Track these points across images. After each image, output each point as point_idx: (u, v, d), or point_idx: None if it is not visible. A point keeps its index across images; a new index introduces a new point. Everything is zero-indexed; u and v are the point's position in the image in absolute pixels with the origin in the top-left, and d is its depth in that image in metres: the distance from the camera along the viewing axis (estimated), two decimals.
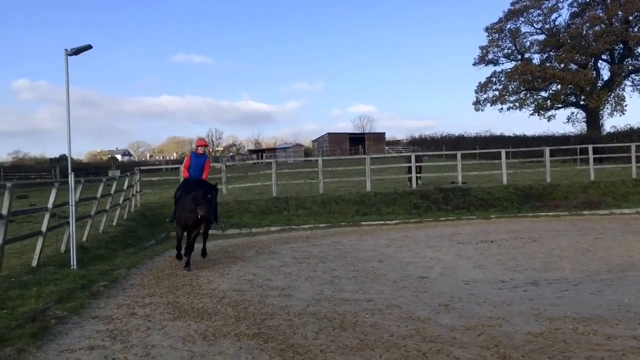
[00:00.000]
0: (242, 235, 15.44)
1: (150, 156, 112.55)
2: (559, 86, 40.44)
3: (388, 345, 5.14)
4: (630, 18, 39.28)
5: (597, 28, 39.38)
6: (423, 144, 60.61)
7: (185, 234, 9.59)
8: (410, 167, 21.42)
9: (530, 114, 42.92)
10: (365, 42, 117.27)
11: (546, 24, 42.43)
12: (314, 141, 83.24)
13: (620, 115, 43.51)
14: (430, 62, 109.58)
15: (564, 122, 45.80)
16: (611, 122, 70.05)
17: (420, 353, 4.91)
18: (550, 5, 41.78)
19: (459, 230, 14.54)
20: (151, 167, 41.85)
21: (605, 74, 41.59)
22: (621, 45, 39.53)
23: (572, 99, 41.89)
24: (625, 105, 40.96)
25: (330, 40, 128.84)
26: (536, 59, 43.93)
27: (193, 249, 9.44)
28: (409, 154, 25.58)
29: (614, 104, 41.01)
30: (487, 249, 11.53)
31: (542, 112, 42.44)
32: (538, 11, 42.22)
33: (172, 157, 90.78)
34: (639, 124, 36.60)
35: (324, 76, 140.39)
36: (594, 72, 41.15)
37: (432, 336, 5.43)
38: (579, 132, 41.62)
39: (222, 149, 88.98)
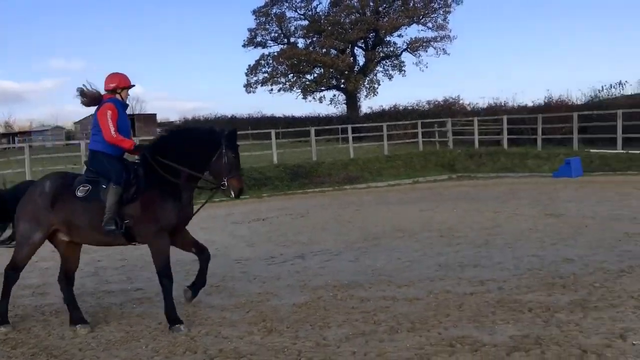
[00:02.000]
0: None
1: None
2: (322, 70, 43.33)
3: (155, 334, 4.97)
4: (380, 9, 43.60)
5: (352, 17, 42.93)
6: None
7: None
8: None
9: (298, 96, 45.35)
10: (129, 18, 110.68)
11: (309, 10, 44.86)
12: (76, 123, 76.45)
13: (373, 97, 48.20)
14: (203, 42, 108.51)
15: (328, 103, 49.60)
16: (367, 104, 77.53)
17: (188, 338, 4.83)
18: None
19: (232, 210, 14.72)
20: None
21: (361, 59, 45.61)
22: (373, 33, 43.68)
23: (334, 82, 45.17)
24: (378, 89, 45.70)
25: (87, 14, 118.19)
26: (301, 43, 46.27)
27: None
28: None
29: (369, 88, 45.41)
30: (259, 227, 11.87)
31: (309, 94, 45.11)
32: None
33: None
34: (390, 105, 40.85)
35: (82, 53, 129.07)
36: (352, 57, 44.83)
37: (202, 319, 5.40)
38: (341, 113, 45.12)
39: None
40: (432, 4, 42.13)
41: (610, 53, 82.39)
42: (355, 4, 42.77)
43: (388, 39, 44.32)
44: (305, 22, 45.07)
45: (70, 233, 5.41)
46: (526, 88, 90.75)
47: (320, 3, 44.94)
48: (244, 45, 46.61)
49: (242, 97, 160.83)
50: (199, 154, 5.36)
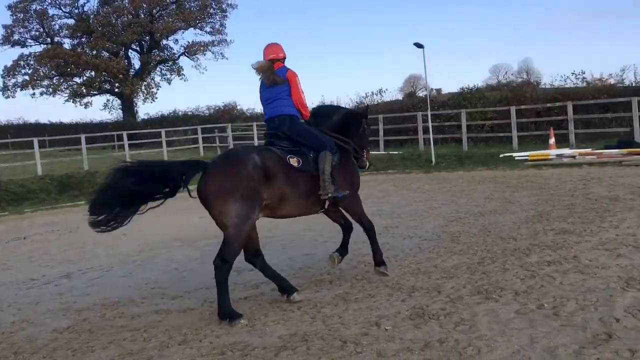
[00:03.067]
0: None
1: None
2: (93, 73, 40.55)
3: None
4: (154, 12, 42.32)
5: (124, 18, 41.00)
6: None
7: None
8: None
9: (66, 100, 41.80)
10: None
11: (75, 8, 41.70)
12: None
13: (152, 102, 46.49)
14: None
15: (101, 109, 46.42)
16: (145, 109, 74.52)
17: None
18: None
19: None
20: None
21: (137, 63, 43.77)
22: (149, 36, 42.21)
23: (107, 86, 42.63)
24: (156, 94, 44.26)
25: None
26: (68, 43, 42.79)
27: None
28: None
29: (146, 92, 43.77)
30: (19, 247, 10.62)
31: (78, 99, 41.85)
32: None
33: None
34: (169, 111, 39.89)
35: None
36: (126, 60, 42.78)
37: None
38: (116, 119, 42.78)
39: None
40: (208, 9, 42.19)
41: (374, 64, 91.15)
42: (127, 5, 40.87)
43: (164, 42, 43.26)
44: (72, 21, 41.76)
45: (278, 206, 5.30)
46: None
47: (88, 1, 42.12)
48: None
49: (2, 102, 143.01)
50: (351, 128, 6.05)
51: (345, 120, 6.05)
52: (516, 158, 17.34)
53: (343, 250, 6.11)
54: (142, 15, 41.47)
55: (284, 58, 5.85)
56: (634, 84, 22.39)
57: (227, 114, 35.87)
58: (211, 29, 42.82)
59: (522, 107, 21.22)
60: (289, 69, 5.75)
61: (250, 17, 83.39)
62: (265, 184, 5.06)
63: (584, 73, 23.86)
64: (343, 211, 6.04)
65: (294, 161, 5.36)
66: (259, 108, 36.09)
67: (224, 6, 42.34)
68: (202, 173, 5.14)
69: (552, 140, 18.05)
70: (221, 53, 43.13)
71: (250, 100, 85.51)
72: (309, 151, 5.48)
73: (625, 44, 77.89)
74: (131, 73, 42.46)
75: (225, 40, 42.97)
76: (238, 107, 38.29)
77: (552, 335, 3.92)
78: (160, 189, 5.14)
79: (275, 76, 5.63)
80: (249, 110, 37.04)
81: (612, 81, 23.04)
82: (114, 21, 41.07)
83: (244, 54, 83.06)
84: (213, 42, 42.81)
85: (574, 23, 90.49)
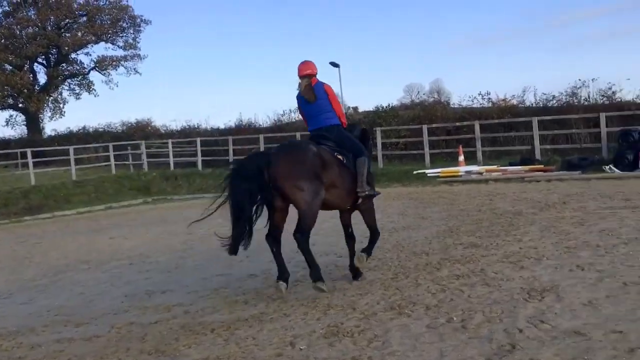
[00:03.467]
0: None
1: None
2: None
3: None
4: (62, 24, 40.53)
5: (30, 30, 39.00)
6: None
7: None
8: None
9: None
10: None
11: None
12: None
13: (60, 118, 44.14)
14: None
15: (3, 125, 43.76)
16: (52, 126, 70.75)
17: None
18: None
19: None
20: None
21: (43, 77, 41.69)
22: (56, 49, 40.32)
23: (10, 101, 40.26)
24: (64, 109, 42.22)
25: None
26: None
27: None
28: None
29: (54, 108, 41.67)
30: None
31: None
32: None
33: None
34: (78, 127, 38.13)
35: None
36: (31, 75, 40.66)
37: None
38: (20, 136, 40.46)
39: None
40: (121, 23, 40.94)
41: (292, 82, 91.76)
42: (33, 16, 38.91)
43: (73, 56, 41.46)
44: None
45: (327, 193, 5.86)
46: (218, 111, 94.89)
47: None
48: None
49: None
50: (366, 141, 6.81)
51: (363, 135, 6.87)
52: (429, 175, 17.95)
53: (368, 248, 6.63)
54: (49, 28, 39.59)
55: (316, 73, 6.55)
56: (534, 105, 23.82)
57: (141, 131, 34.81)
58: (124, 44, 41.53)
59: (434, 125, 22.08)
60: (324, 83, 6.48)
61: (166, 32, 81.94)
62: (322, 170, 5.79)
63: (489, 94, 25.11)
64: (361, 214, 6.69)
65: (340, 157, 6.17)
66: (174, 125, 35.39)
67: (137, 21, 41.24)
68: (269, 161, 5.72)
69: (461, 158, 18.87)
70: (134, 68, 41.91)
71: (165, 116, 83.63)
72: (348, 153, 6.25)
73: (525, 67, 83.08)
74: (37, 88, 40.34)
75: (139, 55, 41.81)
76: (152, 124, 37.24)
77: (460, 348, 4.03)
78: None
79: (314, 93, 6.37)
80: (163, 127, 36.13)
81: (514, 102, 24.41)
82: (18, 33, 38.97)
83: (158, 69, 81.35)
84: (126, 57, 41.53)
85: (478, 46, 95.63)
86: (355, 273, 6.45)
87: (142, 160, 27.93)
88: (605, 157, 17.59)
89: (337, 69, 20.25)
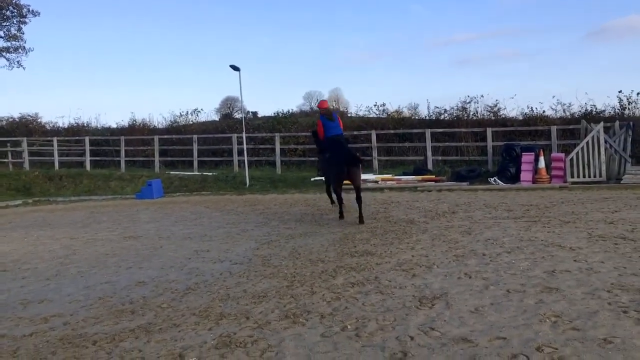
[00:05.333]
0: None
1: None
2: None
3: None
4: None
5: None
6: None
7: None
8: None
9: None
10: None
11: None
12: None
13: None
14: None
15: None
16: None
17: None
18: None
19: None
20: None
21: None
22: None
23: None
24: None
25: None
26: None
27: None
28: None
29: None
30: None
31: None
32: None
33: None
34: None
35: None
36: None
37: None
38: None
39: None
40: (4, 11, 37.99)
41: (190, 83, 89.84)
42: None
43: None
44: None
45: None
46: (110, 110, 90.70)
47: None
48: None
49: None
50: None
51: (347, 141, 11.88)
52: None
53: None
54: None
55: (328, 106, 12.28)
56: (427, 117, 24.89)
57: (24, 127, 32.43)
58: (6, 34, 38.51)
59: None
60: (336, 112, 10.81)
61: (56, 25, 77.29)
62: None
63: (384, 105, 25.93)
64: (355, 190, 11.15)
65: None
66: (61, 122, 33.33)
67: (23, 11, 38.38)
68: (343, 158, 10.78)
69: None
70: (17, 61, 38.97)
71: (52, 112, 78.70)
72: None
73: (419, 82, 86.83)
74: None
75: (24, 47, 38.93)
76: (38, 120, 34.80)
77: (354, 357, 4.01)
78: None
79: (333, 116, 11.67)
80: (49, 124, 33.91)
81: (406, 113, 25.39)
82: None
83: (46, 63, 76.43)
84: (8, 49, 38.53)
85: (374, 60, 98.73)
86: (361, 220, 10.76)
87: (23, 158, 25.97)
88: (490, 169, 18.69)
89: (238, 72, 19.98)
